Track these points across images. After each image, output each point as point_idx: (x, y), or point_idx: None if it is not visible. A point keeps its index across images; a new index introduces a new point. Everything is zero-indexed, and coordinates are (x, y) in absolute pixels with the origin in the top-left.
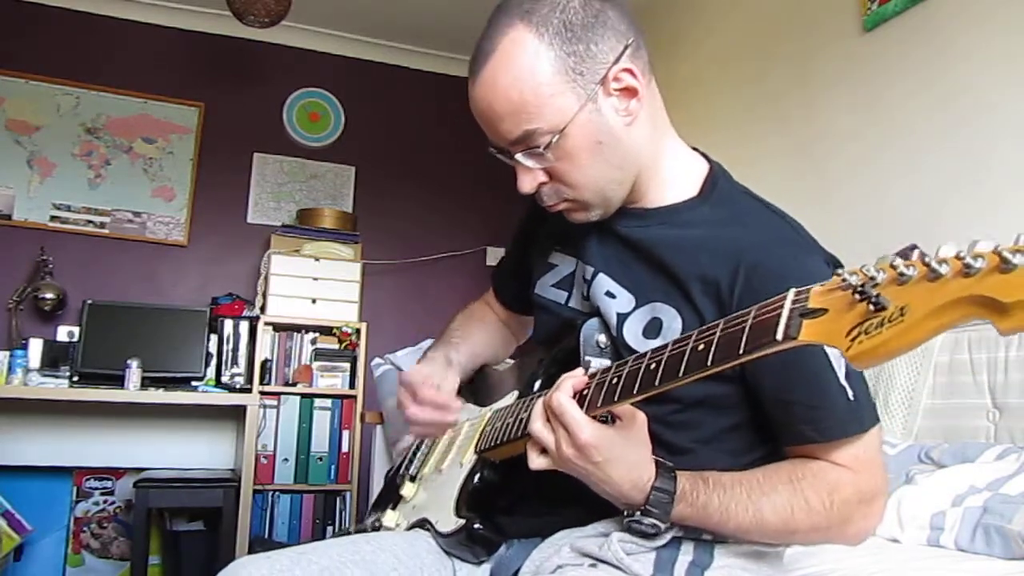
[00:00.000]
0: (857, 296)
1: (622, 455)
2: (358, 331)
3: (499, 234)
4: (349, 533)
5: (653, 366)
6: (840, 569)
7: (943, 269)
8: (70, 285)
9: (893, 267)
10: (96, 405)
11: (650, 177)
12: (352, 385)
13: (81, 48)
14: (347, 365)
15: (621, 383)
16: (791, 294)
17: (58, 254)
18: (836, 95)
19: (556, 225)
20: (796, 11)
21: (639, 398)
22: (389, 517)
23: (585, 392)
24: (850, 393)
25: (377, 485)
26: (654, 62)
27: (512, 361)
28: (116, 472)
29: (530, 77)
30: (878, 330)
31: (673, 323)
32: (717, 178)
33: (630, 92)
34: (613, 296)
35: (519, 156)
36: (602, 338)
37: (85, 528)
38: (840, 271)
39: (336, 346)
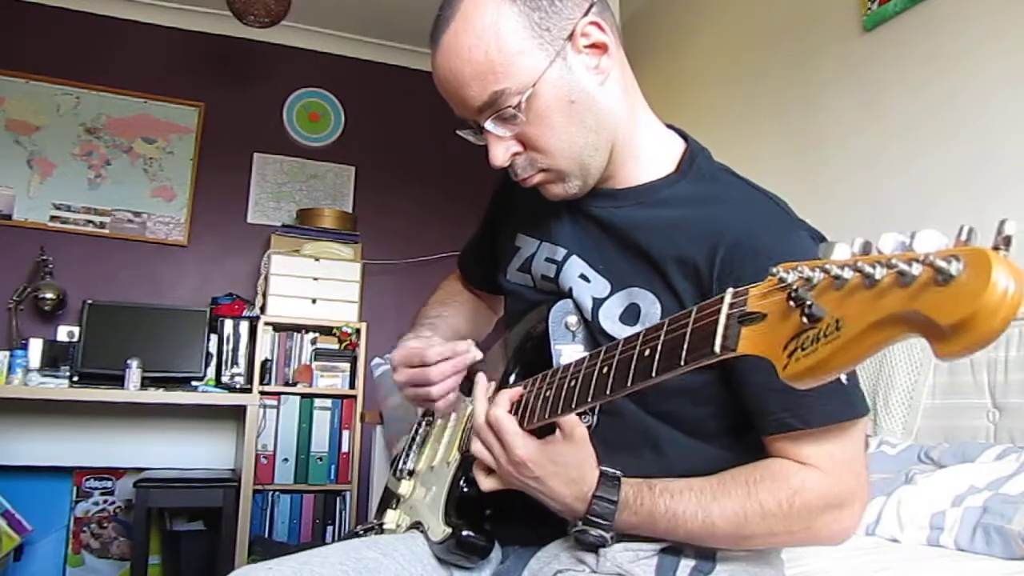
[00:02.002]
0: (792, 303)
1: (559, 470)
2: (358, 331)
3: None
4: (357, 534)
5: (606, 369)
6: (840, 569)
7: (878, 274)
8: (70, 285)
9: (826, 270)
10: (96, 405)
11: (625, 150)
12: (352, 385)
13: (81, 48)
14: (347, 365)
15: (553, 396)
16: (728, 295)
17: (58, 254)
18: (836, 95)
19: (524, 208)
20: (796, 11)
21: (579, 409)
22: (390, 517)
23: (523, 403)
24: (843, 376)
25: (377, 485)
26: (656, 61)
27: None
28: (116, 472)
29: (494, 35)
30: (813, 346)
31: (652, 308)
32: (695, 154)
33: (600, 48)
34: (587, 280)
35: (488, 124)
36: (572, 319)
37: (85, 528)
38: (775, 270)
39: (336, 346)
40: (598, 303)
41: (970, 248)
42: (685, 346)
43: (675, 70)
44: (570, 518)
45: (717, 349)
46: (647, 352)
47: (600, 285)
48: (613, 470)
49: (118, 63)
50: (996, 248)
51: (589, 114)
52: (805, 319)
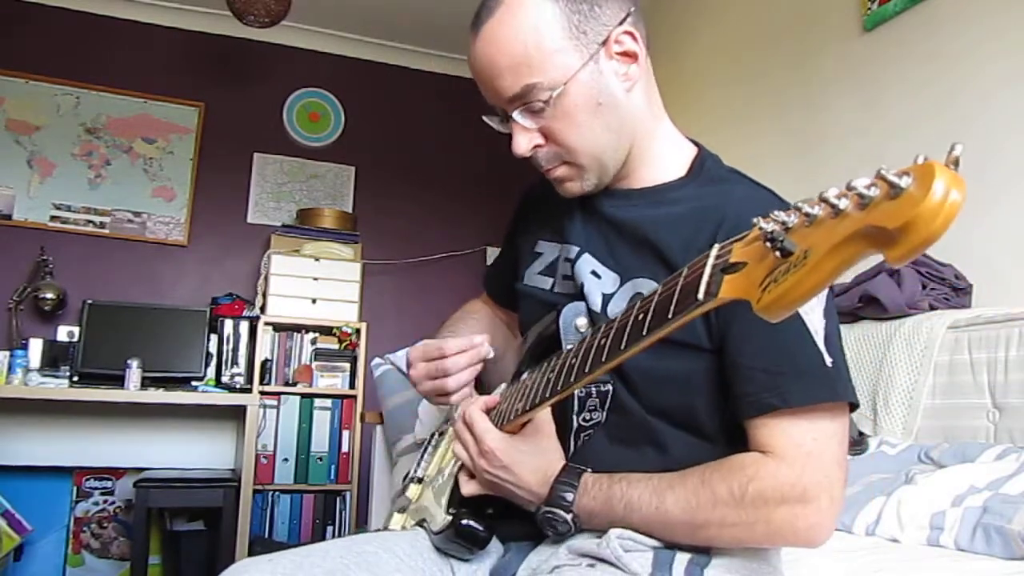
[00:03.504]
0: (769, 244)
1: (526, 459)
2: (358, 331)
3: (499, 234)
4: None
5: (604, 340)
6: (840, 569)
7: (843, 203)
8: (70, 285)
9: (798, 208)
10: (96, 405)
11: (642, 153)
12: (352, 385)
13: (81, 48)
14: (347, 365)
15: (555, 377)
16: (714, 249)
17: (58, 254)
18: (836, 95)
19: (543, 216)
20: (796, 11)
21: (577, 386)
22: (395, 521)
23: (500, 405)
24: (827, 359)
25: (377, 485)
26: (656, 60)
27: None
28: (116, 472)
29: (534, 31)
30: (784, 277)
31: None
32: (705, 159)
33: (630, 56)
34: (598, 276)
35: (516, 114)
36: (581, 321)
37: (85, 528)
38: (755, 220)
39: (336, 346)
40: (607, 299)
41: (920, 164)
42: (674, 300)
43: (675, 70)
44: (536, 504)
45: (701, 296)
46: (640, 316)
47: (609, 280)
48: (580, 466)
49: (118, 63)
50: (946, 165)
51: (613, 117)
52: (778, 254)
